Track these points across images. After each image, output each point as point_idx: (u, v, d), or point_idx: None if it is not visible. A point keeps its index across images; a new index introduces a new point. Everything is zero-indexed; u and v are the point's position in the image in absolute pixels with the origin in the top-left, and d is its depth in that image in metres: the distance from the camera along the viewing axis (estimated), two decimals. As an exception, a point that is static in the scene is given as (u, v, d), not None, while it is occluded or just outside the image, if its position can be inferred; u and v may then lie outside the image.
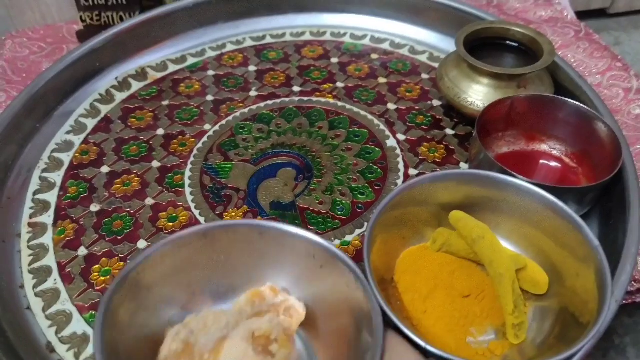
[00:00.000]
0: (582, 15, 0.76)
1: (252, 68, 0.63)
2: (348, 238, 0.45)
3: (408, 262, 0.41)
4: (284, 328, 0.35)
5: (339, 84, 0.60)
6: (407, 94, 0.59)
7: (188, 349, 0.34)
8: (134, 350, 0.34)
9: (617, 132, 0.44)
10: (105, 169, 0.51)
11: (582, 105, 0.47)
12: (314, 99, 0.58)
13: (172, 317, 0.37)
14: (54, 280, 0.43)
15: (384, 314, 0.33)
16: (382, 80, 0.61)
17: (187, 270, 0.37)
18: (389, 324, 0.33)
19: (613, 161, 0.43)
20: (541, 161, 0.49)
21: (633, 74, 0.58)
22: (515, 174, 0.40)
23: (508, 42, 0.54)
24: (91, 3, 0.67)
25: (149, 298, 0.36)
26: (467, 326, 0.38)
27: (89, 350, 0.39)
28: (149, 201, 0.48)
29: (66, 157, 0.53)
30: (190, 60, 0.64)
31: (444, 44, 0.64)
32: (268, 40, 0.67)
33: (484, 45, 0.54)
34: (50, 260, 0.44)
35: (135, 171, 0.51)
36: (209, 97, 0.59)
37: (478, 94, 0.51)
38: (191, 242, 0.37)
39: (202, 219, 0.46)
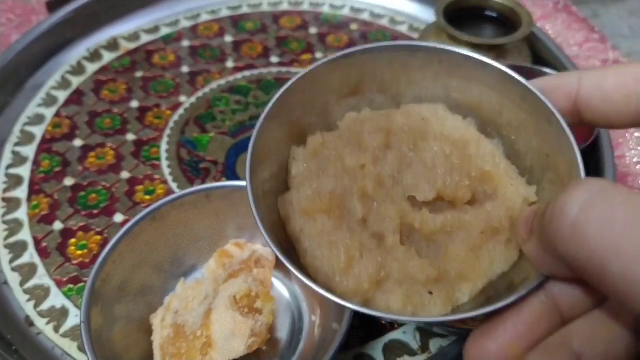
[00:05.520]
0: (560, -14, 0.76)
1: (228, 39, 0.61)
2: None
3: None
4: (260, 281, 0.36)
5: (318, 55, 0.59)
6: (386, 65, 0.58)
7: (180, 331, 0.34)
8: (128, 344, 0.35)
9: (592, 101, 0.45)
10: (78, 143, 0.50)
11: (559, 75, 0.47)
12: (293, 69, 0.58)
13: (152, 301, 0.37)
14: (30, 255, 0.42)
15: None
16: (361, 51, 0.60)
17: (150, 254, 0.37)
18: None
19: (588, 130, 0.43)
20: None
21: (610, 46, 0.58)
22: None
23: (487, 12, 0.54)
24: (60, -29, 0.64)
25: (123, 294, 0.35)
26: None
27: (69, 323, 0.39)
28: (125, 175, 0.48)
29: (38, 131, 0.51)
30: (164, 31, 0.62)
31: (423, 14, 0.64)
32: (245, 10, 0.65)
33: (463, 16, 0.54)
34: (25, 235, 0.43)
35: (109, 145, 0.50)
36: (185, 69, 0.58)
37: (457, 65, 0.51)
38: (144, 229, 0.36)
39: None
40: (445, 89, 0.29)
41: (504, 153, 0.28)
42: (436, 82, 0.29)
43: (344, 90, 0.30)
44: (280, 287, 0.39)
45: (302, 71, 0.29)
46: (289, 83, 0.28)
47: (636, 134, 0.49)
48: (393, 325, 0.38)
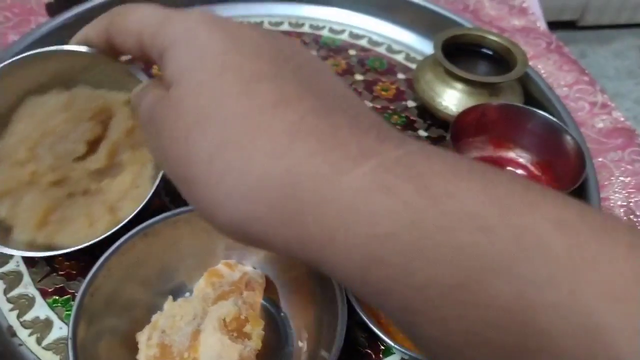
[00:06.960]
0: (551, 25, 0.78)
1: (228, 55, 0.62)
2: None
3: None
4: (250, 304, 0.36)
5: (316, 78, 0.60)
6: (383, 92, 0.59)
7: (166, 351, 0.34)
8: None
9: (581, 144, 0.46)
10: (73, 150, 0.50)
11: (549, 116, 0.48)
12: (290, 91, 0.58)
13: (137, 316, 0.36)
14: (16, 263, 0.42)
15: (354, 313, 0.34)
16: (358, 77, 0.61)
17: (139, 269, 0.37)
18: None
19: (576, 173, 0.44)
20: (507, 168, 0.50)
21: (598, 89, 0.60)
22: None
23: (483, 49, 0.56)
24: (63, -25, 0.64)
25: (110, 308, 0.35)
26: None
27: (52, 335, 0.38)
28: (118, 186, 0.47)
29: (31, 135, 0.51)
30: (165, 43, 0.62)
31: (419, 45, 0.65)
32: (246, 28, 0.66)
33: (459, 51, 0.55)
34: (12, 242, 0.43)
35: (104, 154, 0.50)
36: (183, 83, 0.58)
37: (452, 99, 0.52)
38: (135, 244, 0.37)
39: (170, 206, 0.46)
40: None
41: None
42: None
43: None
44: (268, 311, 0.39)
45: None
46: None
47: (620, 178, 0.51)
48: (379, 356, 0.38)
